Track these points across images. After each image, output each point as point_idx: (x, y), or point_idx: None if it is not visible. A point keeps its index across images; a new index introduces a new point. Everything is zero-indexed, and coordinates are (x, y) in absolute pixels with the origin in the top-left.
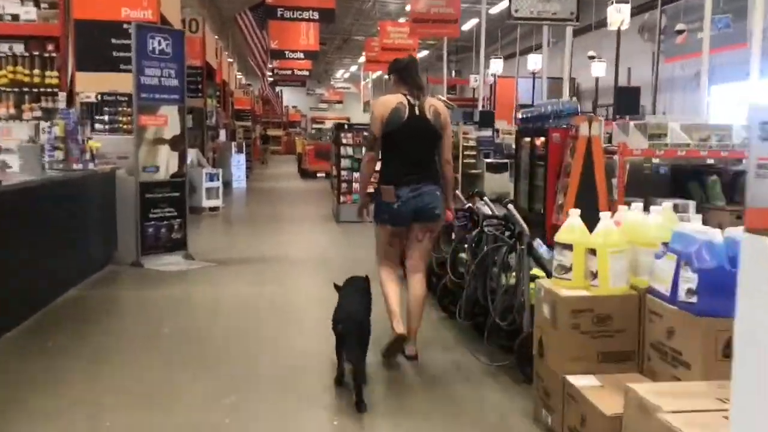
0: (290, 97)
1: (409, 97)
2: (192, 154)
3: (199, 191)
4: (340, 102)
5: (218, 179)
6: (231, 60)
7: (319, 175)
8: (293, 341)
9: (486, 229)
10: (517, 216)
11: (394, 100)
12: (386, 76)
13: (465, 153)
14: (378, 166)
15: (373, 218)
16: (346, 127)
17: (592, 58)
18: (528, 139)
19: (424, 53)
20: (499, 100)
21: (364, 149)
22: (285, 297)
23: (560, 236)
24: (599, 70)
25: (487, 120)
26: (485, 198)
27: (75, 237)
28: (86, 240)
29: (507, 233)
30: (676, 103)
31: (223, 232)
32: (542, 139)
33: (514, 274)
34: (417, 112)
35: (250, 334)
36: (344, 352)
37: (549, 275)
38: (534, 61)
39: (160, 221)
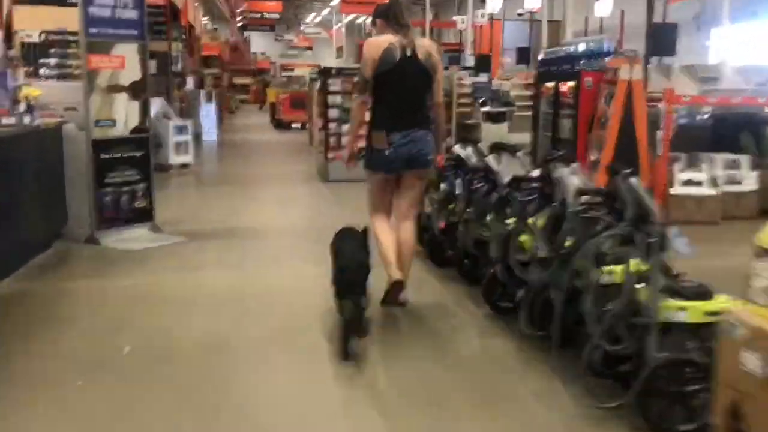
0: (258, 43)
1: (399, 37)
2: (157, 104)
3: (166, 146)
4: (309, 48)
5: (187, 132)
6: (197, 5)
7: (294, 125)
8: (291, 352)
9: (574, 206)
10: (642, 192)
11: (385, 40)
12: (369, 22)
13: (459, 101)
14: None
15: (364, 166)
16: (334, 72)
17: None
18: (550, 85)
19: None
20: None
21: (354, 93)
22: (276, 285)
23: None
24: (604, 8)
25: (483, 65)
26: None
27: (7, 211)
28: (23, 214)
29: (604, 212)
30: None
31: (196, 195)
32: (570, 84)
33: (611, 269)
34: (408, 53)
35: (238, 350)
36: (345, 298)
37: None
38: (531, 1)
39: (120, 187)
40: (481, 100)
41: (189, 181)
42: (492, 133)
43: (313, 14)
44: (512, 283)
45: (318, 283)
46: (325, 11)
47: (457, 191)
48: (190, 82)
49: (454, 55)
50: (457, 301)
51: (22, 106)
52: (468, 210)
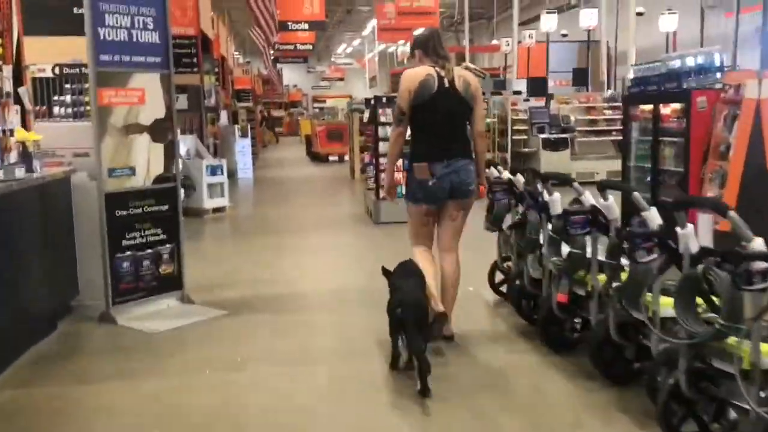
0: (290, 76)
1: (436, 68)
2: (188, 142)
3: (200, 189)
4: (341, 79)
5: (222, 172)
6: (230, 39)
7: (331, 158)
8: None
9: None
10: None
11: (423, 71)
12: (401, 51)
13: (515, 128)
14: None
15: (406, 198)
16: (385, 101)
17: (640, 14)
18: (646, 107)
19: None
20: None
21: (392, 125)
22: (355, 387)
23: None
24: (670, 23)
25: (537, 88)
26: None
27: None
28: (21, 288)
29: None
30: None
31: (233, 247)
32: (674, 105)
33: None
34: (446, 83)
35: None
36: (406, 339)
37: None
38: (588, 18)
39: (140, 250)
40: (538, 127)
41: (225, 229)
42: (553, 162)
43: (344, 45)
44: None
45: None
46: (357, 41)
47: (588, 249)
48: (223, 117)
49: (497, 79)
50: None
51: (13, 155)
52: (614, 281)
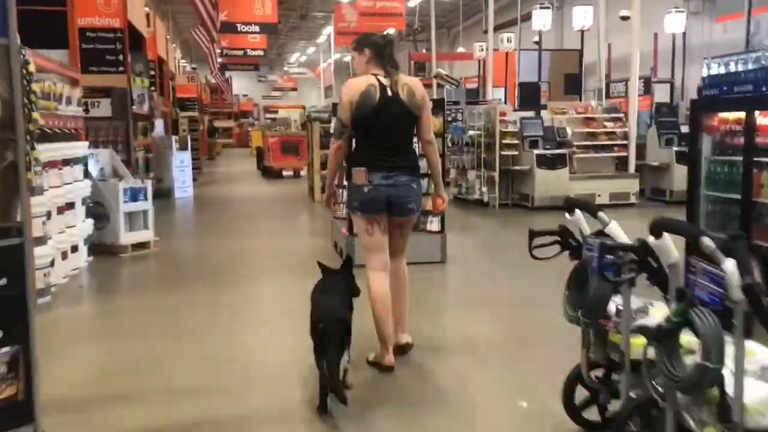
0: (240, 85)
1: (380, 78)
2: (103, 159)
3: (115, 219)
4: (294, 89)
5: (145, 196)
6: (169, 38)
7: (286, 173)
8: None
9: None
10: None
11: (364, 82)
12: (352, 52)
13: (504, 142)
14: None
15: (347, 207)
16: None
17: (625, 18)
18: (730, 116)
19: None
20: (495, 76)
21: (332, 138)
22: None
23: None
24: (677, 24)
25: (529, 96)
26: None
27: None
28: None
29: None
30: None
31: (151, 312)
32: None
33: None
34: (389, 93)
35: None
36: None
37: None
38: (582, 17)
39: None
40: (531, 141)
41: (144, 277)
42: (550, 182)
43: (298, 54)
44: None
45: None
46: (311, 50)
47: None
48: (159, 127)
49: (471, 88)
50: None
51: None
52: None
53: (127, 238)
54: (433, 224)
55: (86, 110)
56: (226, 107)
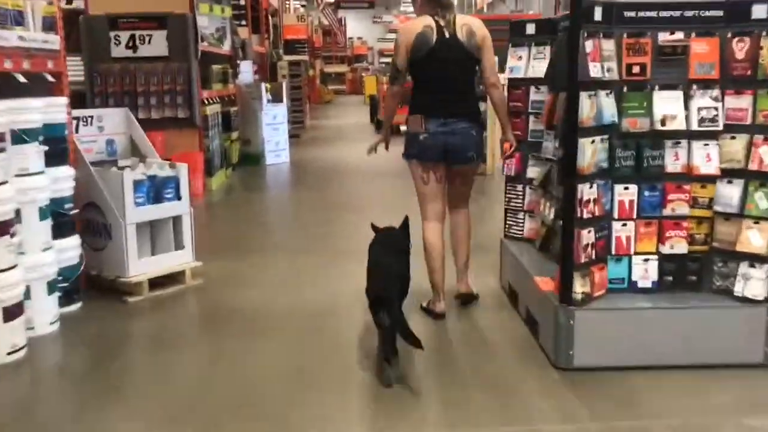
0: (355, 27)
1: (437, 18)
2: (112, 124)
3: (120, 235)
4: None
5: (176, 193)
6: None
7: (404, 128)
8: None
9: None
10: None
11: (420, 24)
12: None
13: None
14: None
15: (403, 156)
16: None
17: None
18: None
19: None
20: None
21: (387, 84)
22: None
23: None
24: None
25: None
26: None
27: None
28: None
29: None
30: None
31: None
32: None
33: None
34: (447, 34)
35: None
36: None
37: None
38: None
39: None
40: None
41: (153, 374)
42: None
43: None
44: None
45: None
46: None
47: None
48: (246, 71)
49: None
50: None
51: None
52: None
53: (140, 266)
54: (751, 284)
55: (133, 47)
56: (339, 51)
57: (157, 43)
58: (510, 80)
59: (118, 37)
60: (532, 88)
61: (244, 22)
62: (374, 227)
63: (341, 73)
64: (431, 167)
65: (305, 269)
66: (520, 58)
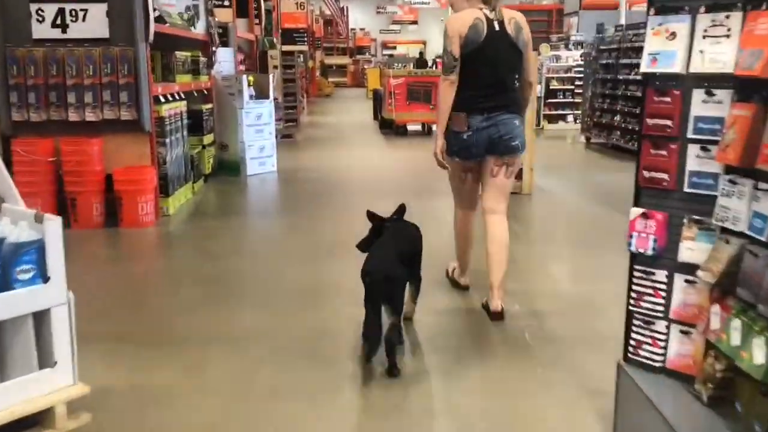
0: (358, 18)
1: (486, 11)
2: None
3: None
4: (414, 23)
5: (39, 271)
6: None
7: (412, 128)
8: None
9: None
10: None
11: (471, 15)
12: None
13: None
14: None
15: (445, 152)
16: None
17: None
18: None
19: None
20: None
21: (442, 75)
22: None
23: None
24: None
25: None
26: None
27: None
28: None
29: None
30: None
31: None
32: None
33: None
34: (496, 27)
35: None
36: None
37: None
38: None
39: None
40: None
41: None
42: None
43: None
44: None
45: None
46: None
47: None
48: (227, 59)
49: None
50: None
51: None
52: None
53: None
54: None
55: (61, 25)
56: (340, 42)
57: (94, 21)
58: (646, 76)
59: (41, 11)
60: (697, 93)
61: (228, 3)
62: (372, 216)
63: (343, 65)
64: (472, 165)
65: (274, 407)
66: (673, 36)
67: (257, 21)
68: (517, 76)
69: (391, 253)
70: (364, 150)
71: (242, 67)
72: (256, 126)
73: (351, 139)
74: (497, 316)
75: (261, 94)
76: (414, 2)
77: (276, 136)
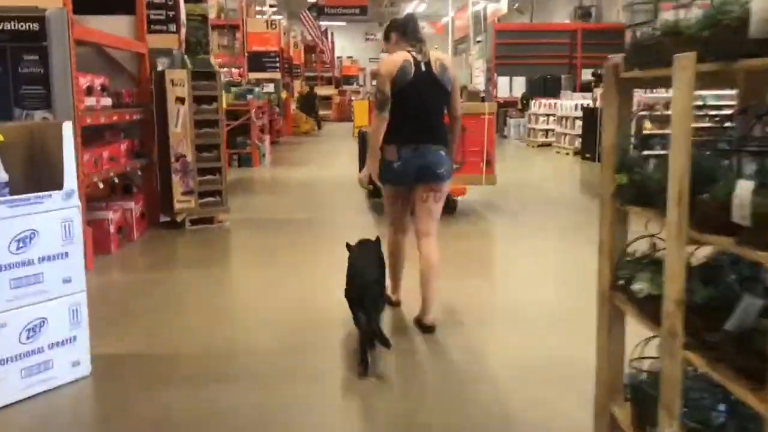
0: (344, 46)
1: (414, 53)
2: None
3: None
4: None
5: None
6: None
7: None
8: None
9: None
10: None
11: (401, 57)
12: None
13: None
14: None
15: (378, 179)
16: None
17: None
18: None
19: None
20: None
21: (374, 112)
22: None
23: None
24: None
25: None
26: None
27: None
28: None
29: None
30: None
31: None
32: None
33: None
34: (423, 67)
35: None
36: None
37: None
38: None
39: None
40: None
41: None
42: None
43: (416, 2)
44: None
45: None
46: None
47: None
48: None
49: None
50: None
51: None
52: None
53: None
54: None
55: None
56: (324, 70)
57: None
58: None
59: None
60: None
61: None
62: (348, 245)
63: (327, 97)
64: (403, 191)
65: None
66: None
67: (161, 27)
68: (442, 111)
69: (369, 260)
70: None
71: (103, 100)
72: (18, 271)
73: (321, 228)
74: (429, 330)
75: (38, 175)
76: None
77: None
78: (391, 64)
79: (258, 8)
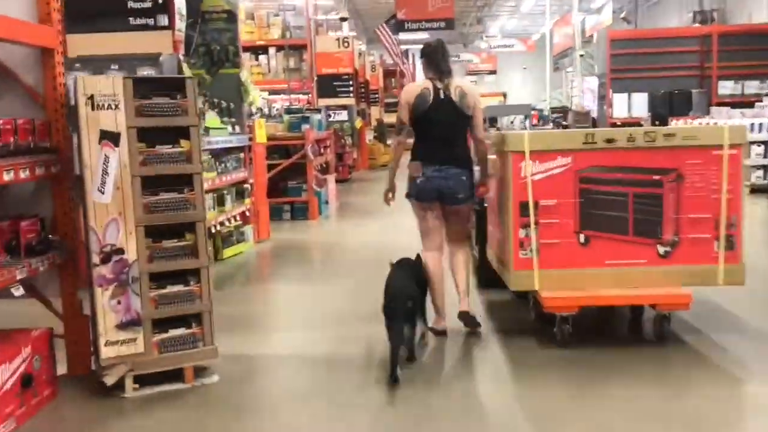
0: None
1: (435, 81)
2: None
3: None
4: (492, 72)
5: None
6: None
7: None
8: None
9: None
10: None
11: (419, 86)
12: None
13: None
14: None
15: (405, 195)
16: None
17: None
18: None
19: None
20: None
21: (393, 135)
22: None
23: None
24: None
25: None
26: None
27: None
28: None
29: None
30: None
31: None
32: None
33: None
34: (442, 95)
35: None
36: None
37: None
38: None
39: None
40: None
41: None
42: None
43: (504, 19)
44: None
45: None
46: (526, 5)
47: None
48: None
49: None
50: None
51: None
52: None
53: None
54: None
55: None
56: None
57: None
58: None
59: None
60: None
61: None
62: (390, 263)
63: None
64: (428, 206)
65: None
66: None
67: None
68: (463, 134)
69: (406, 277)
70: None
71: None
72: None
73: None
74: (464, 316)
75: None
76: (494, 46)
77: None
78: (409, 94)
79: (332, 33)
